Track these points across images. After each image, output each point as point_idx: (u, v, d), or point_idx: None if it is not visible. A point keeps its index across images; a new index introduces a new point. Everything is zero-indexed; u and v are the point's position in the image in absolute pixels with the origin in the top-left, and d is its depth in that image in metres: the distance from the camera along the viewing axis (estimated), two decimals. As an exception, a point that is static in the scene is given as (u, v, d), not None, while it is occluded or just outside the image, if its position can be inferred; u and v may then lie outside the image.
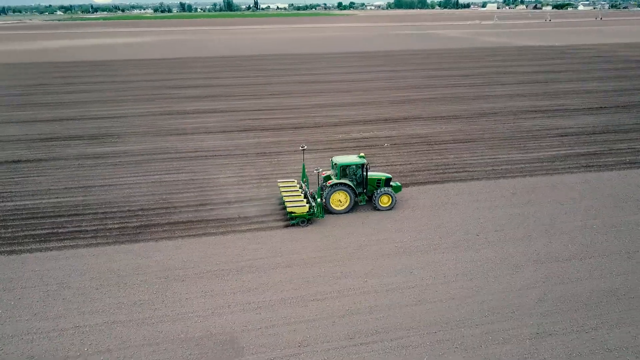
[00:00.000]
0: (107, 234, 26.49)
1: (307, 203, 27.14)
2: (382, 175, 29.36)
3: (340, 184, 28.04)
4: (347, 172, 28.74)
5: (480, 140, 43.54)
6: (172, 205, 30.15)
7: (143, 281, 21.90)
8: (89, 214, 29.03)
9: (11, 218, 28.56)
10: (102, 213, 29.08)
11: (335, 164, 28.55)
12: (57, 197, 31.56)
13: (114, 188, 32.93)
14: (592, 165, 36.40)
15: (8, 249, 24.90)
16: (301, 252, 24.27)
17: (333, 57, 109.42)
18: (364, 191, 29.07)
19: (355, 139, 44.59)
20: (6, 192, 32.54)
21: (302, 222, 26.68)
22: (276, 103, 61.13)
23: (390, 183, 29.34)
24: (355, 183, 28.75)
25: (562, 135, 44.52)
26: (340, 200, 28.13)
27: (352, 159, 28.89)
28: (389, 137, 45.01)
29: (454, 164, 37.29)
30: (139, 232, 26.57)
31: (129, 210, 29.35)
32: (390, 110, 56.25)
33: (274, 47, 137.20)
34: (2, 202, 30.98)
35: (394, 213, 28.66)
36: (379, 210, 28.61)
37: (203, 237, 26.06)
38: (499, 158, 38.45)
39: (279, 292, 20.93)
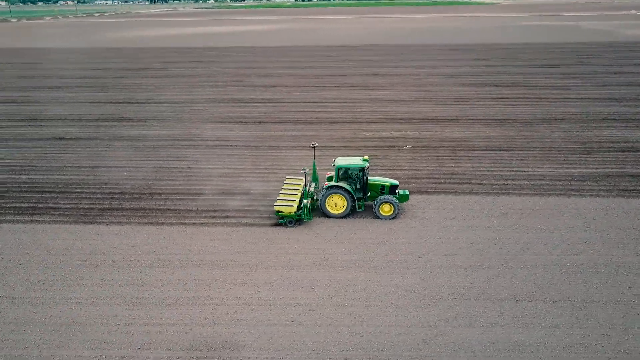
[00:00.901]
0: (74, 213, 28.51)
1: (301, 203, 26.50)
2: (386, 181, 27.62)
3: (336, 186, 26.75)
4: (348, 174, 27.25)
5: (519, 149, 38.76)
6: (152, 191, 31.45)
7: (63, 262, 23.26)
8: (76, 192, 31.46)
9: (11, 189, 31.95)
10: (87, 192, 31.34)
11: (333, 165, 27.43)
12: (65, 174, 34.61)
13: (116, 170, 35.18)
14: (630, 190, 30.47)
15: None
16: (225, 253, 23.91)
17: (429, 49, 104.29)
18: (364, 197, 27.49)
19: (381, 138, 42.41)
20: (28, 166, 36.53)
21: (290, 222, 25.93)
22: (335, 95, 60.26)
23: (397, 191, 27.50)
24: (354, 187, 27.29)
25: (622, 150, 37.85)
26: (336, 203, 26.85)
27: (352, 161, 27.33)
28: (419, 138, 42.05)
29: (465, 173, 33.73)
30: (100, 215, 28.18)
31: (109, 193, 31.24)
32: (446, 109, 52.40)
33: (383, 37, 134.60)
34: (17, 174, 34.79)
35: (354, 223, 26.74)
36: (379, 218, 26.75)
37: (152, 225, 26.87)
38: (523, 171, 33.90)
39: (163, 291, 20.91)
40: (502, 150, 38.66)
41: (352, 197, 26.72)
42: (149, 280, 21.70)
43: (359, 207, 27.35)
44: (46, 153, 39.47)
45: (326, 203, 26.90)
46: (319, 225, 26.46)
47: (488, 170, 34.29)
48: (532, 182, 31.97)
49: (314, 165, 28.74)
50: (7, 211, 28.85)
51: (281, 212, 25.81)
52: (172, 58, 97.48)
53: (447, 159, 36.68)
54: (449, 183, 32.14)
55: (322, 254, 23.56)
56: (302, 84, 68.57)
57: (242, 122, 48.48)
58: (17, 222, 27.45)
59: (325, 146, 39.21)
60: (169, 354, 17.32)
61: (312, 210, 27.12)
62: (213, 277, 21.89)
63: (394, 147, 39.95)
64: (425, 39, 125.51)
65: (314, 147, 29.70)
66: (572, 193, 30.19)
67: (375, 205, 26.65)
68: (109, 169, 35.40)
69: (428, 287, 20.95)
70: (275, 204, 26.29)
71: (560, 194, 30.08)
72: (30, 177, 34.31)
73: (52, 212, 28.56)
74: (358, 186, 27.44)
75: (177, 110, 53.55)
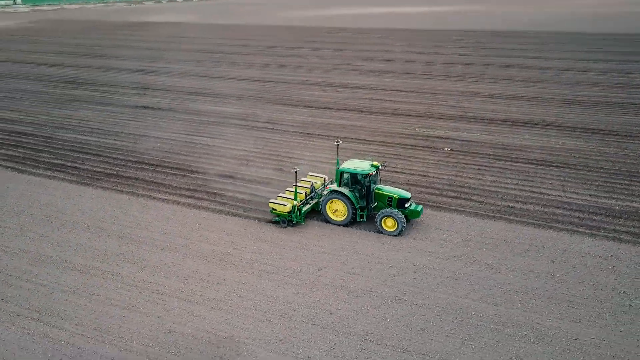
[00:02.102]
0: (74, 172, 32.35)
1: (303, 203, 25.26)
2: (396, 192, 24.42)
3: (337, 191, 24.57)
4: (356, 180, 24.55)
5: (578, 167, 32.11)
6: (159, 163, 33.79)
7: (27, 213, 26.65)
8: (104, 156, 35.39)
9: (57, 147, 37.22)
10: (111, 157, 35.05)
11: (338, 168, 25.23)
12: (114, 140, 39.01)
13: (153, 140, 38.43)
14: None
15: None
16: (166, 239, 24.39)
17: (582, 38, 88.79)
18: (367, 206, 24.70)
19: (428, 137, 38.70)
20: (97, 128, 41.84)
21: (283, 222, 24.73)
22: (419, 85, 56.33)
23: (406, 205, 24.07)
24: (357, 194, 24.68)
25: None
26: (336, 209, 24.77)
27: (358, 165, 24.66)
28: (471, 142, 37.30)
29: (477, 188, 29.32)
30: (99, 179, 31.35)
31: (125, 160, 34.48)
32: (541, 111, 45.26)
33: (560, 23, 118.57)
34: (79, 134, 40.29)
35: (348, 234, 24.34)
36: (382, 233, 23.97)
37: (125, 194, 29.02)
38: (545, 195, 28.17)
39: (68, 254, 22.72)
40: (556, 166, 32.37)
41: (353, 204, 24.19)
42: (56, 240, 23.76)
43: (360, 218, 24.74)
44: (121, 120, 44.63)
45: (327, 208, 24.96)
46: (307, 230, 24.79)
47: (508, 188, 29.23)
48: (542, 210, 26.44)
49: (338, 164, 25.57)
50: (39, 164, 33.76)
51: (275, 210, 24.79)
52: (315, 37, 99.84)
53: (473, 170, 32.10)
54: (455, 198, 28.18)
55: (253, 255, 22.83)
56: (409, 70, 65.23)
57: (308, 106, 48.41)
58: (36, 174, 32.06)
59: (363, 140, 37.53)
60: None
61: (310, 212, 25.61)
62: (122, 251, 23.01)
63: (431, 148, 36.15)
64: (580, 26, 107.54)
65: (338, 144, 26.72)
66: (583, 231, 24.28)
67: (377, 218, 23.90)
68: (149, 139, 38.75)
69: (289, 302, 19.21)
70: (270, 200, 25.31)
71: (567, 230, 24.45)
72: (86, 138, 39.38)
73: (56, 169, 32.75)
74: (361, 194, 24.63)
75: (264, 89, 55.47)
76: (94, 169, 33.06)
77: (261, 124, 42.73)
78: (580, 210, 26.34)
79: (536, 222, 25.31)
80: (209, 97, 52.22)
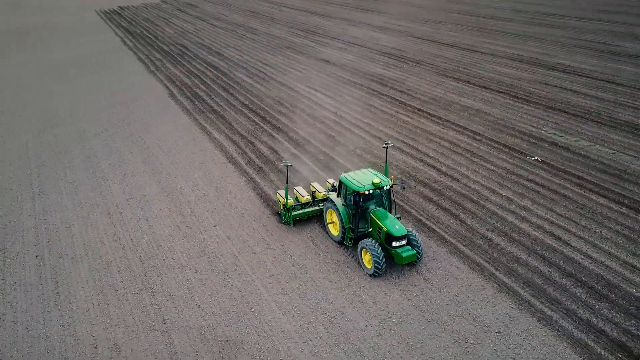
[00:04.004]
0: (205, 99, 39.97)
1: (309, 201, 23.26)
2: (391, 223, 19.43)
3: (331, 200, 21.41)
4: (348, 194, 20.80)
5: (672, 225, 22.76)
6: (248, 104, 38.77)
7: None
8: (217, 83, 42.31)
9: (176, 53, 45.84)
10: (226, 87, 41.68)
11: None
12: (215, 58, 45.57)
13: (281, 78, 43.30)
14: None
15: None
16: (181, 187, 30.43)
17: None
18: (355, 230, 20.47)
19: (532, 137, 32.10)
20: (229, 47, 49.12)
21: (279, 215, 23.31)
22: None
23: (394, 243, 19.14)
24: (349, 212, 20.60)
25: None
26: (334, 221, 21.44)
27: (362, 177, 20.26)
28: (573, 154, 29.46)
29: (509, 226, 24.57)
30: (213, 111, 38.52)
31: (237, 91, 40.57)
32: None
33: None
34: (211, 51, 48.15)
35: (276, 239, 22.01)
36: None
37: (187, 116, 35.38)
38: (573, 254, 21.63)
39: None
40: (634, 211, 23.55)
41: (342, 220, 20.57)
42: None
43: (346, 241, 20.91)
44: (282, 62, 50.68)
45: (326, 217, 22.06)
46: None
47: (520, 228, 23.43)
48: (554, 275, 20.77)
49: (386, 169, 23.34)
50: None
51: (279, 200, 23.25)
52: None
53: (537, 195, 26.16)
54: (467, 233, 24.74)
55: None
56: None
57: (470, 82, 44.53)
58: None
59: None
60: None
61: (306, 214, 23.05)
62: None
63: (523, 155, 30.22)
64: None
65: (387, 146, 23.18)
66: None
67: (358, 247, 19.90)
68: (281, 82, 43.65)
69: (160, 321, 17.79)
70: (279, 190, 23.80)
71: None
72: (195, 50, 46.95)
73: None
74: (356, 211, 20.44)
75: (453, 59, 52.68)
76: (214, 92, 40.16)
77: (376, 88, 42.09)
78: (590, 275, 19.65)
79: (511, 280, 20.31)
80: (386, 58, 52.77)
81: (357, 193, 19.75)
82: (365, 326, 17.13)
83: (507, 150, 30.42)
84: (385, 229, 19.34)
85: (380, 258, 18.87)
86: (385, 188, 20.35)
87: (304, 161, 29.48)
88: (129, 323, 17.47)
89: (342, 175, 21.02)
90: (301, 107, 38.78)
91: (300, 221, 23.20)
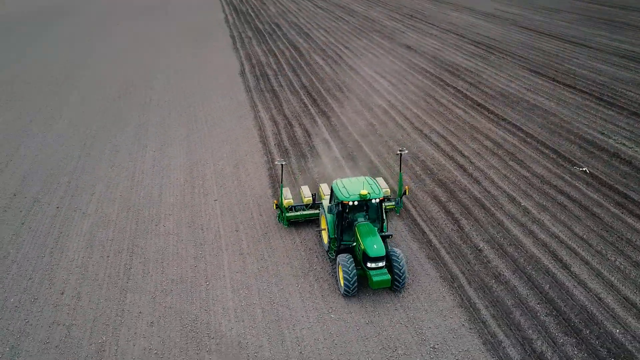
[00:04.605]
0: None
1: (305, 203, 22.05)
2: (372, 242, 17.44)
3: (322, 205, 20.48)
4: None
5: None
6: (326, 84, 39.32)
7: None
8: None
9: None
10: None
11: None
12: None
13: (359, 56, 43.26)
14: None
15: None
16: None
17: None
18: (338, 243, 18.80)
19: (586, 142, 28.79)
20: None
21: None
22: None
23: (369, 264, 17.26)
24: (335, 221, 18.70)
25: None
26: (326, 229, 19.70)
27: (354, 186, 18.67)
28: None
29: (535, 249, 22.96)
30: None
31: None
32: None
33: None
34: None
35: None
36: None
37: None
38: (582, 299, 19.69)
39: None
40: None
41: (327, 227, 19.24)
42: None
43: (330, 251, 19.38)
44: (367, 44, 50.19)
45: (320, 222, 20.94)
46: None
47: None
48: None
49: (400, 178, 21.54)
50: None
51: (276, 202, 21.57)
52: None
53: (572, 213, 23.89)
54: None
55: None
56: None
57: (555, 79, 40.70)
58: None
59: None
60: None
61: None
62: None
63: (570, 164, 27.36)
64: None
65: (401, 153, 21.43)
66: (475, 310, 17.37)
67: (336, 261, 18.29)
68: (351, 66, 43.57)
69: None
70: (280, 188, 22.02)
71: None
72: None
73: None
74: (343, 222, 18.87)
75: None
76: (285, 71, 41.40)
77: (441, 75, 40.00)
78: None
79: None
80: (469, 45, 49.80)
81: (341, 203, 18.25)
82: (302, 317, 17.15)
83: (554, 157, 27.62)
84: (362, 247, 17.51)
85: (351, 277, 17.08)
86: (373, 201, 18.32)
87: (331, 148, 29.48)
88: (99, 277, 19.32)
89: (334, 181, 19.54)
90: (358, 92, 38.45)
91: (298, 224, 21.87)
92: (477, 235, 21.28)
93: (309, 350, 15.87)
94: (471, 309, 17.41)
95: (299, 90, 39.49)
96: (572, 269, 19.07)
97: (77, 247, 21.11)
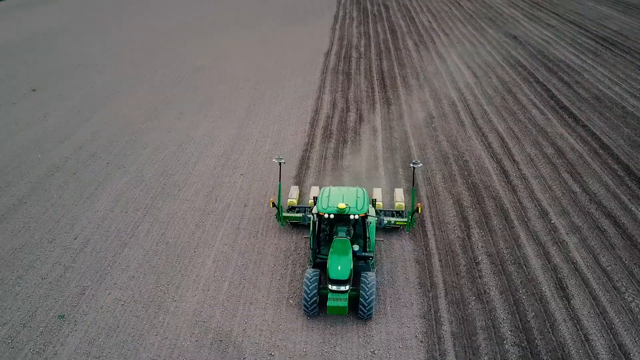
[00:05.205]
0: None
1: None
2: (337, 263, 16.00)
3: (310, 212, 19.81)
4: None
5: None
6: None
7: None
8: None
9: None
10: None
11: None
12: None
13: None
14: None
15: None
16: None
17: None
18: (315, 255, 17.60)
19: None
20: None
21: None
22: None
23: (331, 286, 15.94)
24: (314, 231, 17.54)
25: None
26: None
27: (339, 195, 17.53)
28: None
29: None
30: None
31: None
32: None
33: None
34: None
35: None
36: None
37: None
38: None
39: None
40: None
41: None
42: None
43: (309, 262, 18.15)
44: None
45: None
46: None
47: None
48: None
49: (413, 193, 19.91)
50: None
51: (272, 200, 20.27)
52: None
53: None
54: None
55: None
56: None
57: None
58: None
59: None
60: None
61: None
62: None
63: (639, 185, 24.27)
64: None
65: (415, 167, 19.41)
66: None
67: None
68: (440, 54, 41.87)
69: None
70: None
71: None
72: None
73: None
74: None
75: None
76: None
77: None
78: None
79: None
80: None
81: (317, 214, 17.16)
82: (262, 297, 17.51)
83: (623, 174, 24.34)
84: (327, 266, 16.19)
85: (310, 296, 15.80)
86: (352, 217, 16.83)
87: (376, 137, 28.94)
88: (110, 230, 21.47)
89: (323, 188, 18.36)
90: (434, 82, 36.88)
91: (298, 225, 20.81)
92: (482, 246, 19.76)
93: (252, 330, 16.27)
94: (434, 321, 16.43)
95: (375, 75, 38.86)
96: (573, 301, 16.99)
97: (105, 200, 23.56)
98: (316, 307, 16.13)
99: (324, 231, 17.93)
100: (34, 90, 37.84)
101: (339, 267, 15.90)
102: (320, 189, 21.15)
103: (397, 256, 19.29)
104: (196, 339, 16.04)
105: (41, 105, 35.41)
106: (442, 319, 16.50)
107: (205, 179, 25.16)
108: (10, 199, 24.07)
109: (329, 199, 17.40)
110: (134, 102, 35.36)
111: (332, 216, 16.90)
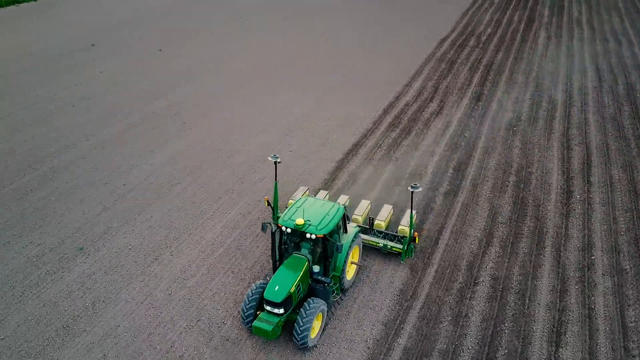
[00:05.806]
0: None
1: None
2: (277, 282, 14.85)
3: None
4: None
5: None
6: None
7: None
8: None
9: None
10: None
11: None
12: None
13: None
14: None
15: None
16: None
17: None
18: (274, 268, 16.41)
19: None
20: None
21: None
22: None
23: (266, 305, 14.90)
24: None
25: None
26: None
27: (313, 209, 15.99)
28: None
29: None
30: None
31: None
32: None
33: None
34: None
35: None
36: None
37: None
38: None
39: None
40: None
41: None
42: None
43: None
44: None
45: None
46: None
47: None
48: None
49: (411, 218, 18.09)
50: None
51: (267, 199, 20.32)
52: None
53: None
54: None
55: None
56: None
57: None
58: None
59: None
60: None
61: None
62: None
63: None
64: None
65: (413, 191, 17.10)
66: None
67: None
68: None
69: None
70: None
71: None
72: None
73: None
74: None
75: None
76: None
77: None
78: None
79: None
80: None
81: (277, 224, 15.77)
82: (229, 281, 17.51)
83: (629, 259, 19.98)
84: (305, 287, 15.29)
85: (247, 308, 15.07)
86: (308, 236, 15.13)
87: (445, 132, 27.49)
88: (153, 183, 23.67)
89: (302, 198, 16.91)
90: (544, 81, 33.55)
91: None
92: (491, 267, 18.08)
93: (219, 296, 17.13)
94: (393, 331, 15.69)
95: (481, 66, 36.28)
96: (561, 350, 14.93)
97: (153, 162, 25.05)
98: (252, 321, 15.14)
99: (285, 243, 16.30)
100: (160, 50, 42.19)
101: (276, 288, 14.63)
102: (322, 194, 20.64)
103: (393, 257, 18.50)
104: (169, 292, 17.39)
105: (164, 61, 38.95)
106: (402, 331, 15.66)
107: (250, 152, 26.03)
108: (96, 142, 27.63)
109: (297, 210, 15.92)
110: (226, 75, 36.97)
111: (288, 230, 15.35)
